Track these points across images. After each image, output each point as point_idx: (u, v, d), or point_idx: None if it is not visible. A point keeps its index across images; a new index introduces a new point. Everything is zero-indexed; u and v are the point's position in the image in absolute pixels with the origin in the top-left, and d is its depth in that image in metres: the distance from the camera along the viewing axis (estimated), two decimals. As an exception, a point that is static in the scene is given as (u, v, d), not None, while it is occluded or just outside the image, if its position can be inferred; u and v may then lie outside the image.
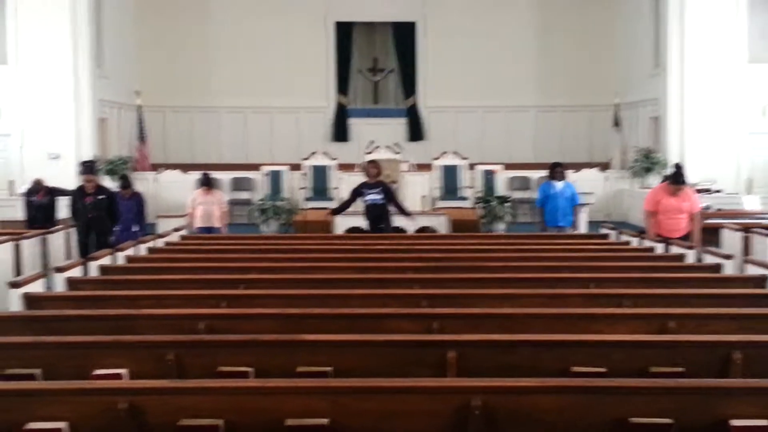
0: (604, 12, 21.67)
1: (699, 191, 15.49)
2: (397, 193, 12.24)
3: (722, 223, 11.71)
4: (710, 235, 11.31)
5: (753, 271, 7.78)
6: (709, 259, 8.50)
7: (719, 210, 14.49)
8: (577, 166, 19.20)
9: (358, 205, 12.08)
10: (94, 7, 17.87)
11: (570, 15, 21.83)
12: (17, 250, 10.42)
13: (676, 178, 10.38)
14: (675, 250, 9.22)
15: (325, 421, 3.98)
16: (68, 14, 16.99)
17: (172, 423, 3.98)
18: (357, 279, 7.43)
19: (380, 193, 11.59)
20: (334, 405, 4.03)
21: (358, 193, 11.89)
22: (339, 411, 4.02)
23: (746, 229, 10.91)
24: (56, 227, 11.98)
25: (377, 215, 11.62)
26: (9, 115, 17.13)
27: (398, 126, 22.06)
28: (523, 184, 19.31)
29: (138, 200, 12.62)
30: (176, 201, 17.35)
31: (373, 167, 11.94)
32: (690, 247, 9.09)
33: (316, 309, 6.06)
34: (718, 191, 16.51)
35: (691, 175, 16.23)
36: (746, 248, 10.55)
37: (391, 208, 11.76)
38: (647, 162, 18.35)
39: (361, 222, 12.42)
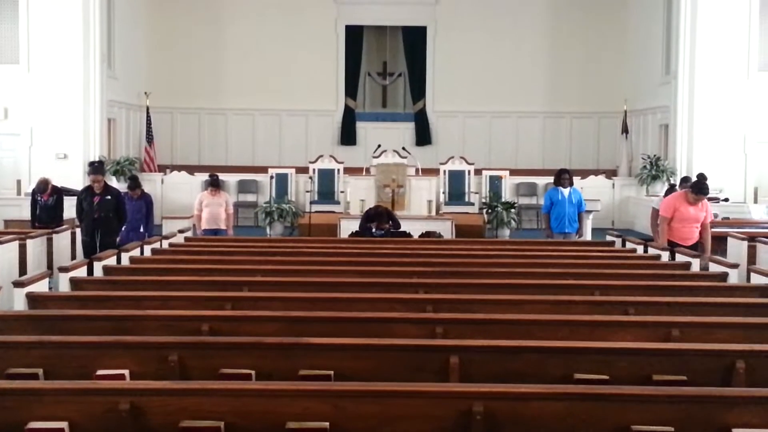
0: (614, 19, 21.63)
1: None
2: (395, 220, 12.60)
3: (728, 231, 11.67)
4: (716, 244, 11.27)
5: (758, 280, 7.75)
6: (715, 268, 8.48)
7: (726, 219, 14.44)
8: (584, 173, 19.20)
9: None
10: (105, 7, 17.91)
11: (580, 22, 21.79)
12: (22, 250, 10.43)
13: (701, 189, 10.32)
14: (681, 258, 9.20)
15: (326, 424, 3.98)
16: (80, 15, 17.01)
17: (173, 424, 3.99)
18: (361, 283, 7.42)
19: (383, 230, 12.08)
20: (335, 408, 4.03)
21: (367, 227, 12.22)
22: (340, 414, 4.02)
23: (752, 238, 10.88)
24: (61, 227, 11.99)
25: None
26: (18, 115, 17.15)
27: (406, 130, 22.06)
28: (530, 190, 19.29)
29: (147, 201, 12.63)
30: (182, 202, 17.39)
31: (377, 215, 12.20)
32: (696, 256, 9.06)
33: (320, 312, 6.07)
34: (725, 200, 16.46)
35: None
36: (752, 257, 10.52)
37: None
38: (654, 170, 18.31)
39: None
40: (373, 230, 12.04)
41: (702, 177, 10.86)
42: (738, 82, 17.35)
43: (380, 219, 12.24)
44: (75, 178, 16.28)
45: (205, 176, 15.54)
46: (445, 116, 22.12)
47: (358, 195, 15.84)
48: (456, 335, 5.57)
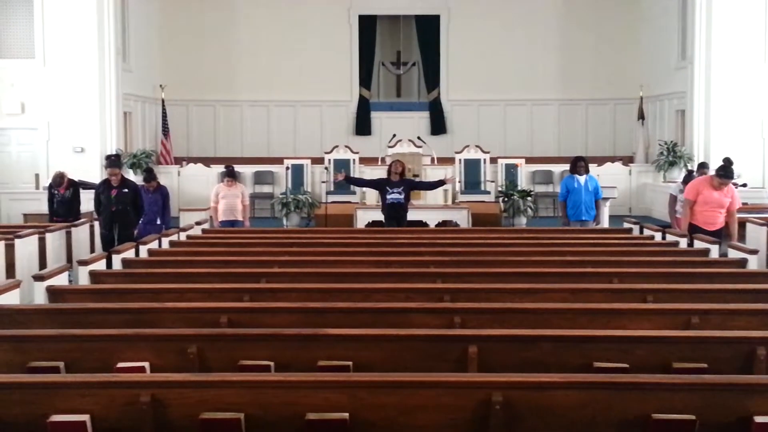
0: (629, 4, 21.50)
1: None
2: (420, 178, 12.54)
3: (747, 217, 11.59)
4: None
5: (778, 266, 7.70)
6: (734, 254, 8.43)
7: (744, 204, 14.34)
8: (601, 160, 19.13)
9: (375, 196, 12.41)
10: (118, 1, 17.96)
11: (594, 7, 21.67)
12: (42, 243, 10.50)
13: (726, 173, 10.29)
14: (699, 244, 9.15)
15: (345, 415, 3.98)
16: (94, 9, 17.07)
17: (193, 416, 3.99)
18: (378, 273, 7.42)
19: (402, 192, 11.83)
20: (354, 399, 4.03)
21: (380, 187, 12.06)
22: (359, 405, 4.02)
23: (771, 223, 10.81)
24: (80, 220, 12.05)
25: (395, 214, 11.88)
26: (35, 110, 17.25)
27: (421, 119, 22.04)
28: (546, 178, 19.23)
29: (163, 193, 12.67)
30: (199, 194, 17.45)
31: (396, 165, 12.03)
32: (716, 242, 9.01)
33: (338, 303, 6.07)
34: (743, 185, 16.36)
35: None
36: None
37: (424, 192, 12.20)
38: (672, 156, 18.21)
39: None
40: (389, 191, 11.77)
41: (728, 161, 10.77)
42: (755, 67, 17.21)
43: (397, 162, 12.13)
44: (92, 172, 16.36)
45: (221, 168, 15.58)
46: (460, 105, 22.06)
47: (374, 185, 15.82)
48: (474, 325, 5.56)
